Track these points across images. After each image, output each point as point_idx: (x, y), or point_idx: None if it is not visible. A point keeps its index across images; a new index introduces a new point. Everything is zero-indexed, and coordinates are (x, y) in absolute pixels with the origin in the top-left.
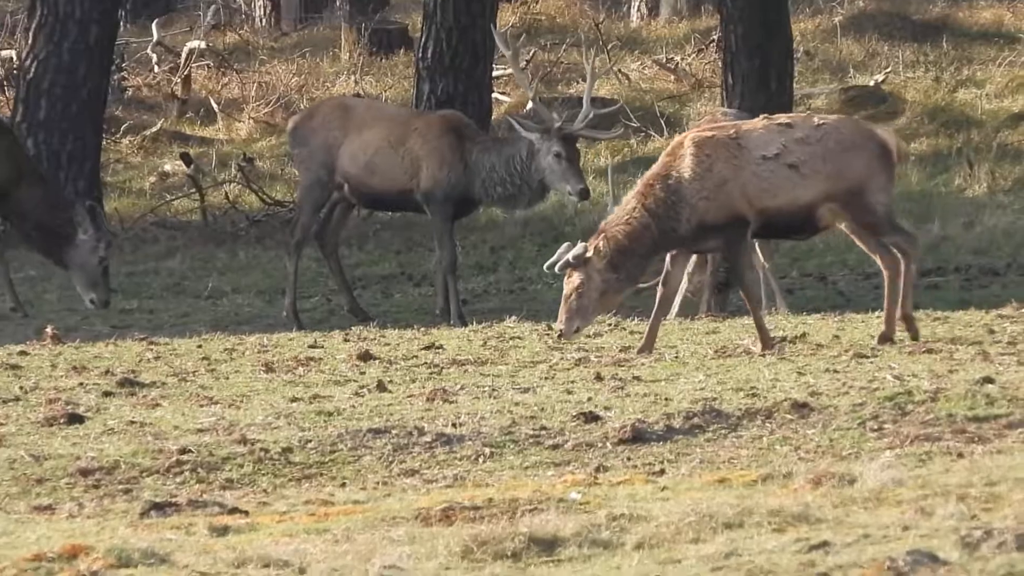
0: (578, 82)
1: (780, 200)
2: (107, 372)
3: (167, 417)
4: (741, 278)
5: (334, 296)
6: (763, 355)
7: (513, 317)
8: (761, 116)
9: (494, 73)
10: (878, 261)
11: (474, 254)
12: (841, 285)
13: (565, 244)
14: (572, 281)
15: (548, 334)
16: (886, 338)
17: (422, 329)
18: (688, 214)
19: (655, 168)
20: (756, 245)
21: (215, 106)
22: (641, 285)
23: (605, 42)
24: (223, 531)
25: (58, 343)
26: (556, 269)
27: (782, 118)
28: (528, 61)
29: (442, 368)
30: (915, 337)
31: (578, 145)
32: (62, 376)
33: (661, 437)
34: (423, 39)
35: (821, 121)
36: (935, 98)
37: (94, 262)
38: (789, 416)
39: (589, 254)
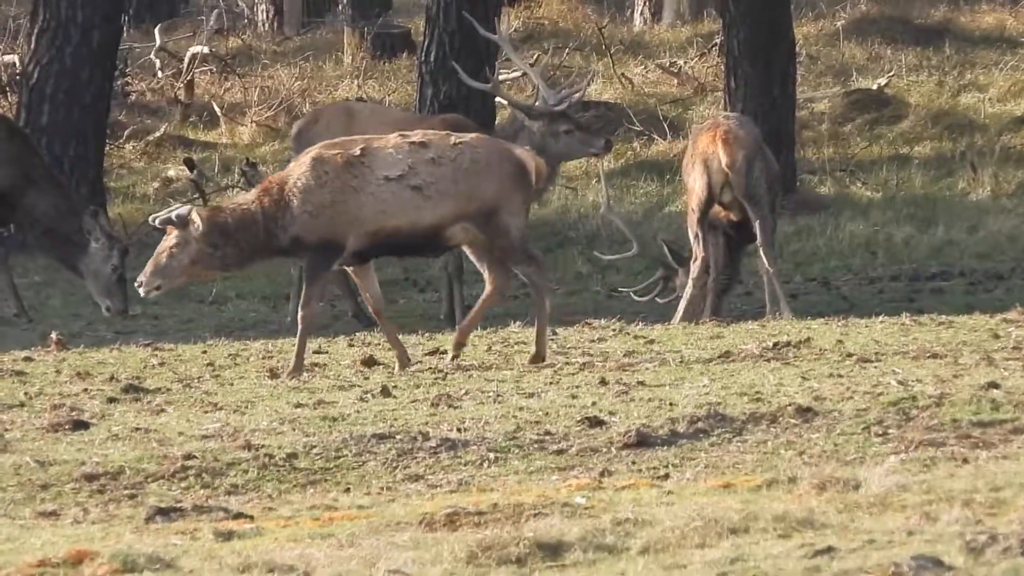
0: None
1: (399, 221)
2: (112, 378)
3: (172, 423)
4: (308, 304)
5: (338, 302)
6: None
7: (518, 323)
8: (396, 133)
9: (499, 79)
10: (487, 277)
11: None
12: (845, 290)
13: (179, 205)
14: (168, 240)
15: (553, 339)
16: (539, 358)
17: (426, 334)
18: (289, 223)
19: (283, 171)
20: (760, 250)
21: (218, 111)
22: (659, 300)
23: (608, 46)
24: (228, 536)
25: (62, 349)
26: (157, 223)
27: (417, 136)
28: (531, 65)
29: (446, 373)
30: (541, 358)
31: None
32: (67, 382)
33: (666, 442)
34: (426, 43)
35: (457, 141)
36: (938, 102)
37: (107, 270)
38: (793, 421)
39: (192, 218)
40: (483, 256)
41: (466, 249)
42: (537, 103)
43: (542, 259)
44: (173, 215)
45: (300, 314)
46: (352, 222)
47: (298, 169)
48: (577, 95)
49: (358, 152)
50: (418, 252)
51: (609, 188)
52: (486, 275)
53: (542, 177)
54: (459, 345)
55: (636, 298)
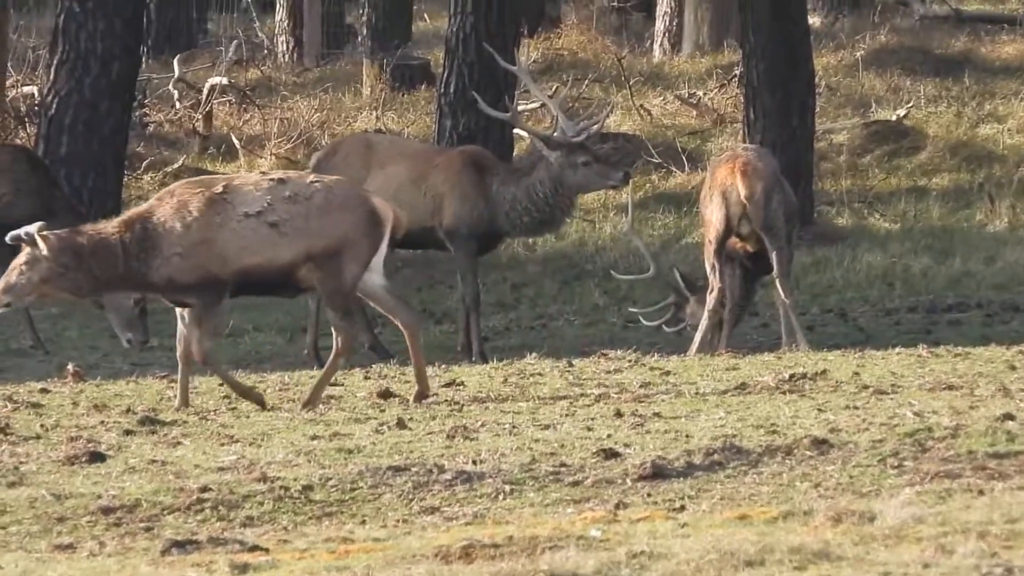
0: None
1: (259, 258)
2: (128, 410)
3: (188, 455)
4: (200, 344)
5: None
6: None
7: (534, 354)
8: (258, 171)
9: (518, 109)
10: (398, 322)
11: (495, 291)
12: (861, 321)
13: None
14: (20, 257)
15: (569, 371)
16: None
17: (443, 366)
18: (159, 265)
19: (144, 206)
20: (777, 282)
21: (236, 142)
22: (667, 328)
23: (627, 77)
24: (244, 568)
25: (79, 381)
26: (8, 239)
27: (277, 174)
28: (550, 96)
29: (462, 405)
30: (314, 404)
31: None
32: (83, 414)
33: (681, 474)
34: (445, 74)
35: (314, 180)
36: (957, 133)
37: (129, 303)
38: (809, 453)
39: (37, 237)
40: (381, 300)
41: (370, 299)
42: (555, 134)
43: (356, 319)
44: (23, 232)
45: (200, 356)
46: (221, 258)
47: (160, 210)
48: (595, 127)
49: (220, 189)
50: (274, 292)
51: (633, 209)
52: (398, 321)
53: (400, 228)
54: (421, 394)
55: (644, 322)
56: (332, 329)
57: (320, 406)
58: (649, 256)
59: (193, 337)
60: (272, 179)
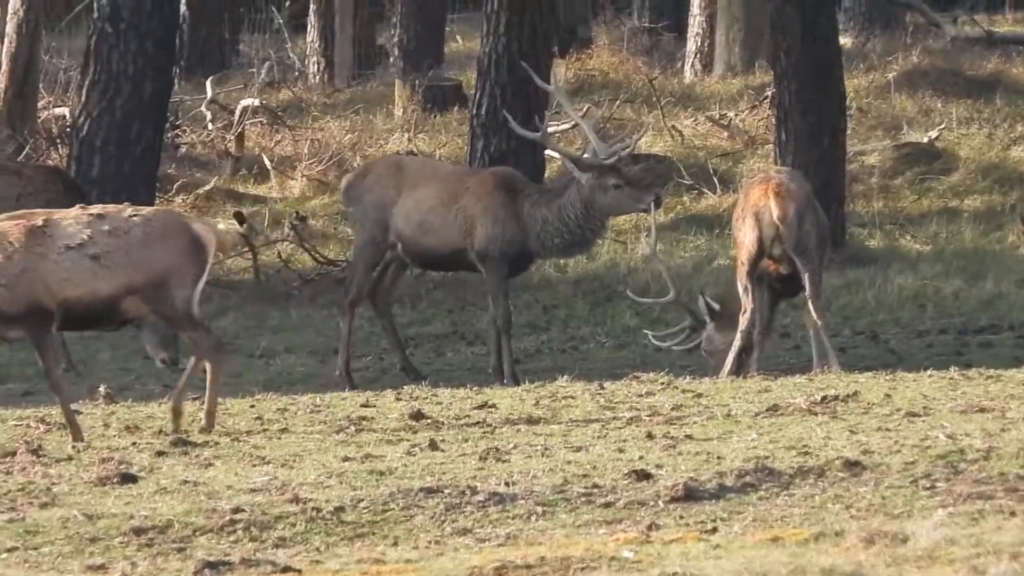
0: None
1: (80, 291)
2: (160, 432)
3: (220, 477)
4: (48, 374)
5: (387, 355)
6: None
7: (566, 376)
8: (78, 206)
9: (548, 130)
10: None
11: (527, 313)
12: (893, 343)
13: None
14: None
15: (601, 393)
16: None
17: (475, 388)
18: None
19: None
20: (809, 303)
21: (268, 164)
22: (674, 348)
23: (659, 98)
24: None
25: (111, 402)
26: None
27: (96, 209)
28: (582, 116)
29: (495, 427)
30: (177, 430)
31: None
32: (115, 436)
33: (713, 495)
34: (477, 96)
35: (133, 213)
36: (989, 155)
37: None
38: (841, 474)
39: None
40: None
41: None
42: (586, 155)
43: (208, 324)
44: None
45: (49, 384)
46: (45, 289)
47: None
48: (627, 149)
49: (40, 222)
50: (97, 325)
51: (657, 232)
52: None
53: (226, 249)
54: (210, 419)
55: (655, 342)
56: (188, 343)
57: (216, 423)
58: (670, 280)
59: (43, 368)
60: (91, 214)
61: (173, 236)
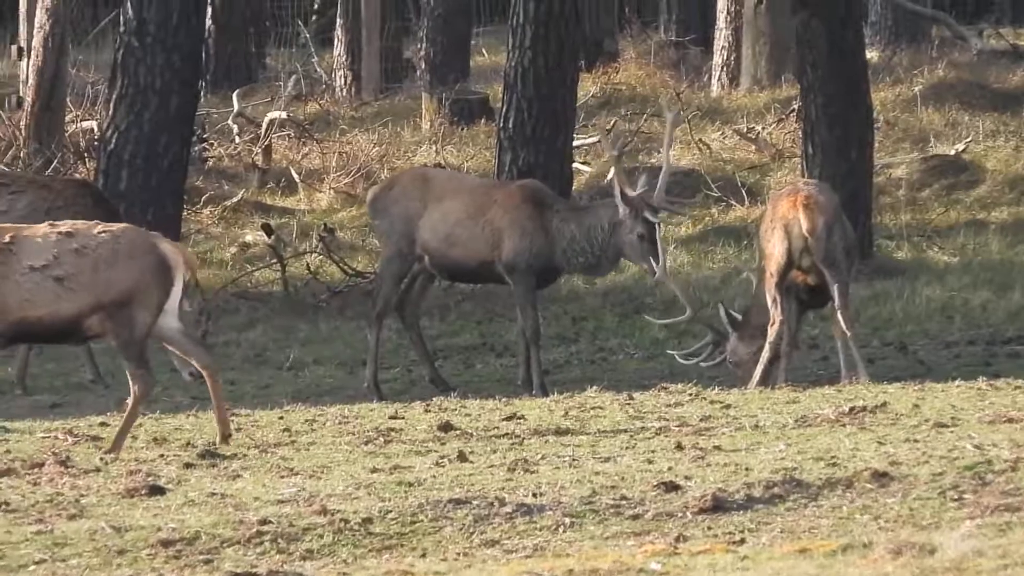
0: (658, 152)
1: (41, 312)
2: (188, 444)
3: (248, 488)
4: None
5: (415, 367)
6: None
7: (594, 387)
8: (46, 223)
9: (575, 143)
10: (197, 365)
11: (555, 325)
12: (921, 354)
13: None
14: None
15: (630, 404)
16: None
17: (503, 399)
18: None
19: None
20: (838, 314)
21: (296, 176)
22: (703, 364)
23: (686, 111)
24: None
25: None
26: None
27: (64, 226)
28: (608, 131)
29: (523, 438)
30: (117, 449)
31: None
32: (143, 448)
33: (741, 506)
34: (504, 109)
35: (102, 231)
36: (1015, 167)
37: (197, 335)
38: (869, 486)
39: None
40: (177, 342)
41: (165, 343)
42: (639, 193)
43: (151, 367)
44: None
45: None
46: (3, 307)
47: None
48: (676, 214)
49: (7, 239)
50: (58, 341)
51: (664, 253)
52: (193, 361)
53: (192, 269)
54: (224, 436)
55: (681, 360)
56: (128, 376)
57: (122, 453)
58: (685, 299)
59: None
60: (60, 232)
61: (140, 255)
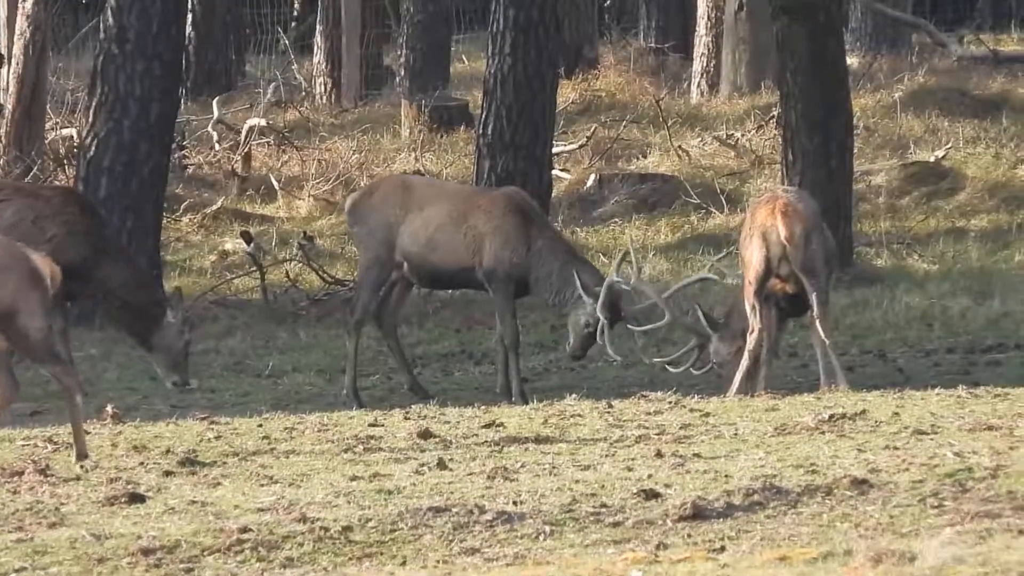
0: (637, 158)
1: None
2: (168, 451)
3: (228, 496)
4: None
5: (394, 375)
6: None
7: (574, 395)
8: None
9: (554, 150)
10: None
11: (534, 332)
12: (901, 362)
13: None
14: None
15: (609, 412)
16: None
17: (482, 407)
18: None
19: None
20: (816, 322)
21: (275, 183)
22: (694, 371)
23: (665, 118)
24: None
25: (118, 422)
26: None
27: None
28: (588, 138)
29: (503, 446)
30: (83, 456)
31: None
32: (123, 455)
33: (721, 514)
34: (483, 115)
35: None
36: (995, 174)
37: (179, 345)
38: (849, 493)
39: None
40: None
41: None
42: (629, 284)
43: (68, 358)
44: None
45: None
46: None
47: None
48: (643, 328)
49: None
50: None
51: (633, 259)
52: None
53: (57, 281)
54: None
55: (670, 369)
56: (51, 377)
57: (90, 455)
58: (662, 303)
59: None
60: None
61: (15, 266)
